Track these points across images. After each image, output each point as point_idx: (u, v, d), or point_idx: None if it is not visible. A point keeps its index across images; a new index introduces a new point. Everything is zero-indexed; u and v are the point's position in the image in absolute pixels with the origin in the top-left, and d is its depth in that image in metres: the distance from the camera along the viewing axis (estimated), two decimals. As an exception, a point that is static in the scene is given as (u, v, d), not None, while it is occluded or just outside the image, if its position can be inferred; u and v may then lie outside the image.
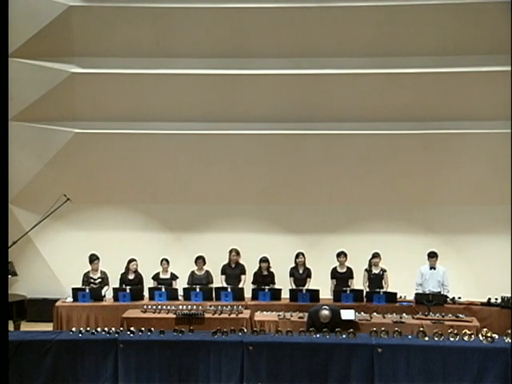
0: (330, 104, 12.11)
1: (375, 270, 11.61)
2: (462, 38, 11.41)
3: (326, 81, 11.91)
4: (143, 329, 9.13)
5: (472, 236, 12.85)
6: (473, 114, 11.97)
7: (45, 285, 12.90)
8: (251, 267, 11.91)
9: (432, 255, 11.36)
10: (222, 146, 12.57)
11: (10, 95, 8.87)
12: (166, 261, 11.70)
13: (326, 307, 9.44)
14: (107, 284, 11.61)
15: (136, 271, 11.65)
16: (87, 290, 11.14)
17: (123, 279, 11.61)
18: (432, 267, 11.37)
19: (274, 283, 11.72)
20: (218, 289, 11.23)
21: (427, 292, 11.07)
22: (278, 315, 10.30)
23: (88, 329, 9.32)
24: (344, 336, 8.81)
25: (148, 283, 11.64)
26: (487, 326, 9.47)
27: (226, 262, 11.94)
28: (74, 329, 9.31)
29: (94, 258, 11.61)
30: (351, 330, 8.93)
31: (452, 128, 12.14)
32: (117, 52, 11.91)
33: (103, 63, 12.04)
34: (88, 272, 11.62)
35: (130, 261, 11.65)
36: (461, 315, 10.20)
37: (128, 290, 11.09)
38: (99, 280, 11.56)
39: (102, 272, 11.65)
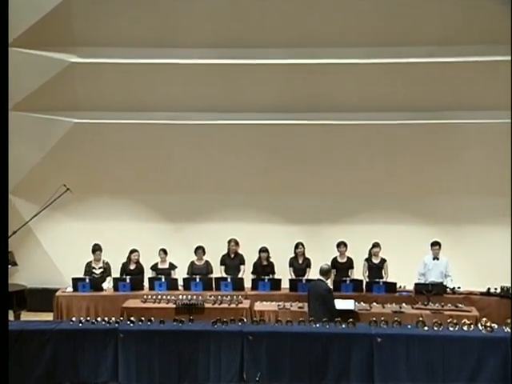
0: (330, 94, 12.09)
1: (375, 260, 11.64)
2: (463, 27, 11.36)
3: (328, 71, 11.87)
4: (143, 319, 9.14)
5: (472, 226, 12.86)
6: (473, 103, 11.94)
7: (45, 275, 12.91)
8: (251, 257, 11.93)
9: (435, 244, 11.40)
10: (222, 137, 12.56)
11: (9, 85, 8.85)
12: (164, 251, 11.71)
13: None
14: (109, 275, 11.62)
15: (137, 262, 11.66)
16: (87, 280, 11.16)
17: (124, 269, 11.63)
18: (435, 258, 11.39)
19: (273, 273, 11.74)
20: (217, 279, 11.26)
21: (429, 282, 11.07)
22: (278, 305, 10.33)
23: (88, 319, 9.36)
24: (343, 326, 8.83)
25: (148, 273, 11.65)
26: (486, 316, 9.48)
27: (226, 252, 11.95)
28: (74, 318, 9.32)
29: (95, 249, 11.62)
30: (351, 319, 8.95)
31: (452, 118, 12.13)
32: (117, 42, 11.87)
33: (103, 53, 12.00)
34: (90, 262, 11.64)
35: (132, 251, 11.67)
36: (460, 305, 10.23)
37: (128, 280, 11.11)
38: (101, 270, 11.57)
39: (104, 262, 11.66)
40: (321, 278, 9.70)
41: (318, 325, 8.89)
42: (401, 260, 11.83)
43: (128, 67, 12.01)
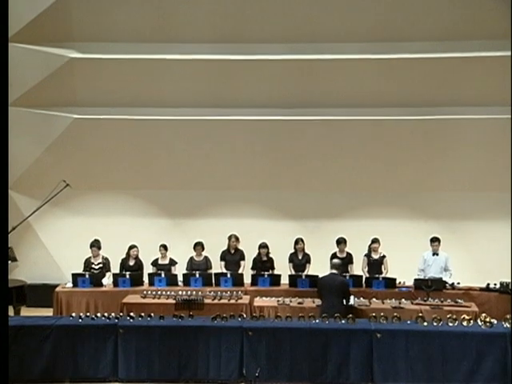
0: (329, 90, 12.07)
1: (374, 256, 11.65)
2: (462, 23, 11.35)
3: (327, 66, 11.86)
4: (143, 314, 9.16)
5: (471, 222, 12.89)
6: (473, 99, 11.93)
7: (44, 270, 12.93)
8: (251, 253, 11.93)
9: (434, 240, 11.41)
10: (222, 132, 12.55)
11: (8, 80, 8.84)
12: (164, 247, 11.71)
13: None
14: (109, 270, 11.60)
15: (136, 257, 11.66)
16: (87, 276, 11.16)
17: (123, 265, 11.63)
18: (435, 253, 11.40)
19: (273, 269, 11.76)
20: (217, 274, 11.26)
21: (428, 278, 11.07)
22: (278, 301, 10.33)
23: (88, 314, 9.37)
24: (343, 321, 8.85)
25: (148, 269, 11.65)
26: (486, 311, 9.52)
27: (225, 247, 11.95)
28: (73, 314, 9.35)
29: (92, 245, 11.60)
30: (350, 315, 8.97)
31: (452, 114, 12.12)
32: (116, 37, 11.85)
33: (103, 48, 11.98)
34: (89, 258, 11.63)
35: (131, 247, 11.67)
36: (460, 300, 10.23)
37: (128, 276, 11.11)
38: (100, 266, 11.57)
39: (103, 258, 11.65)
40: (333, 271, 9.74)
41: (317, 320, 8.91)
42: (400, 255, 11.83)
43: (128, 62, 11.99)
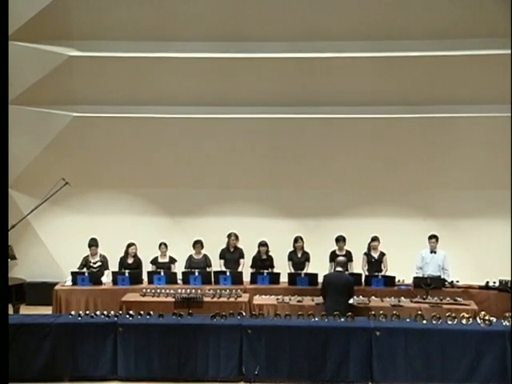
0: (329, 88, 12.05)
1: (374, 254, 11.65)
2: (462, 21, 11.34)
3: (327, 65, 11.84)
4: (142, 312, 9.16)
5: (471, 220, 12.88)
6: (472, 97, 11.92)
7: (44, 268, 12.92)
8: (250, 251, 11.92)
9: (432, 237, 11.40)
10: (222, 130, 12.54)
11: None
12: (165, 245, 11.70)
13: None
14: (107, 268, 11.61)
15: (135, 255, 11.66)
16: (86, 274, 11.17)
17: (122, 263, 11.63)
18: (433, 251, 11.40)
19: (272, 267, 11.75)
20: (216, 273, 11.27)
21: (426, 276, 11.08)
22: (277, 299, 10.33)
23: (87, 312, 9.38)
24: (342, 319, 8.85)
25: (147, 267, 11.65)
26: (485, 310, 9.50)
27: (225, 246, 11.95)
28: (73, 312, 9.34)
29: (91, 244, 11.57)
30: (349, 313, 8.97)
31: (452, 112, 12.11)
32: (116, 35, 11.83)
33: (102, 46, 11.96)
34: (87, 256, 11.63)
35: (129, 245, 11.67)
36: (459, 299, 10.24)
37: (127, 274, 11.11)
38: (98, 264, 11.57)
39: (101, 256, 11.65)
40: (339, 269, 9.77)
41: (316, 318, 8.92)
42: (400, 254, 11.83)
43: (127, 61, 11.98)
